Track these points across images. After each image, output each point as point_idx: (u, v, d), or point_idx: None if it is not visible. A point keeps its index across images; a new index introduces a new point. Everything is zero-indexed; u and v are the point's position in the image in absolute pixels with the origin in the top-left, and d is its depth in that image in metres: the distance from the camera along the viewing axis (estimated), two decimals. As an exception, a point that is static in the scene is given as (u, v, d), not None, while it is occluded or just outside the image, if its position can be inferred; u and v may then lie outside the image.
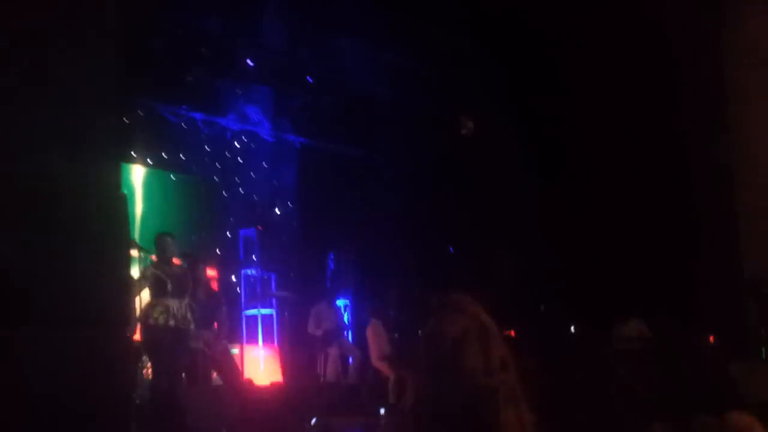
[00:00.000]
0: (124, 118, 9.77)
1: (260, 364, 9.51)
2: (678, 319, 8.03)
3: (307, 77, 12.00)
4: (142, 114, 10.62)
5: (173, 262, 7.75)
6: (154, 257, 7.69)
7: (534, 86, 10.87)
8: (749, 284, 8.55)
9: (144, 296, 7.50)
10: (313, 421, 7.86)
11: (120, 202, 6.20)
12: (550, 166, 10.76)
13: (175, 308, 7.30)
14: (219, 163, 11.78)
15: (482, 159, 11.68)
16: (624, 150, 9.90)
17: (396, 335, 9.84)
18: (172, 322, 7.27)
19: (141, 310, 7.39)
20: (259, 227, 11.12)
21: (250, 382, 8.41)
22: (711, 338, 7.95)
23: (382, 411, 8.77)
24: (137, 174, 10.75)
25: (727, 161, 9.38)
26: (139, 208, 10.50)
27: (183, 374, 7.82)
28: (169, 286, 7.31)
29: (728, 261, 9.16)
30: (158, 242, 7.66)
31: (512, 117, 11.23)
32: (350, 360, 10.51)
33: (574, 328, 8.22)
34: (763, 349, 7.53)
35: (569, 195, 10.46)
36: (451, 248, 12.32)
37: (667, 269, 9.25)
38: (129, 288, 7.11)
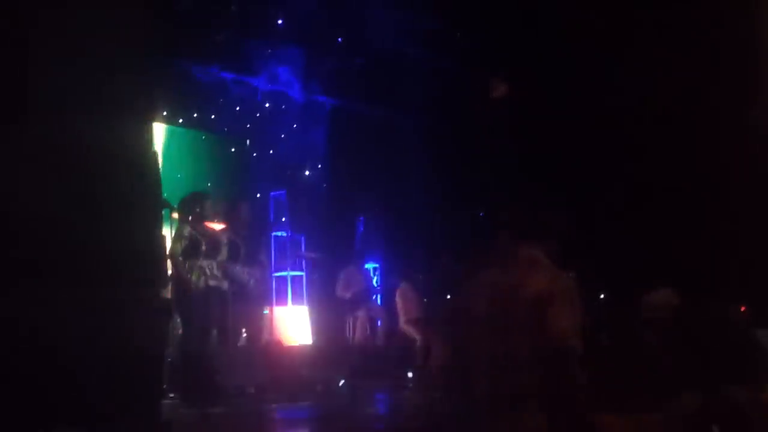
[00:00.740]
0: (156, 77, 9.76)
1: (289, 326, 9.59)
2: (708, 288, 7.96)
3: (338, 38, 11.91)
4: (173, 73, 10.63)
5: (206, 223, 7.80)
6: (177, 215, 7.70)
7: (565, 48, 10.70)
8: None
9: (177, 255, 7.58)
10: (341, 382, 7.95)
11: (151, 160, 6.26)
12: (585, 129, 10.63)
13: (208, 269, 7.36)
14: (249, 124, 11.79)
15: (514, 121, 11.57)
16: (660, 116, 9.76)
17: (425, 299, 9.88)
18: (207, 282, 7.33)
19: (175, 269, 7.45)
20: (289, 188, 11.16)
21: (279, 342, 8.50)
22: (743, 308, 7.85)
23: (410, 374, 8.85)
24: (168, 133, 10.80)
25: (762, 129, 9.22)
26: (169, 167, 10.55)
27: (213, 333, 7.94)
28: (204, 247, 7.37)
29: (761, 230, 9.05)
30: (194, 202, 7.68)
31: (544, 78, 11.08)
32: (378, 323, 10.58)
33: (603, 295, 8.19)
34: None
35: (601, 160, 10.35)
36: (481, 211, 12.28)
37: (699, 238, 9.16)
38: (161, 247, 7.19)
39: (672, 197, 9.50)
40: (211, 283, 7.35)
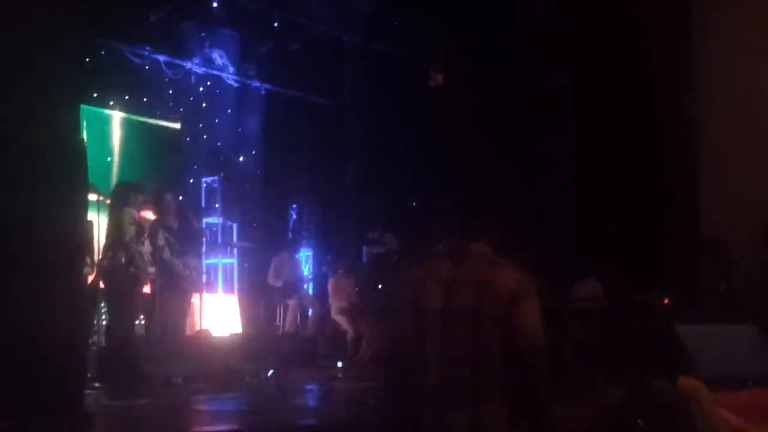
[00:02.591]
0: (85, 58, 9.55)
1: (218, 314, 9.48)
2: (633, 280, 8.11)
3: (274, 22, 11.77)
4: (104, 54, 10.38)
5: (136, 209, 7.66)
6: (109, 203, 7.57)
7: (508, 35, 10.75)
8: (707, 246, 8.64)
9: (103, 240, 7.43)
10: (270, 372, 7.88)
11: (78, 145, 6.08)
12: (518, 118, 10.70)
13: (136, 256, 7.23)
14: (182, 108, 11.59)
15: (450, 109, 11.60)
16: (588, 108, 9.89)
17: (357, 289, 9.86)
18: (132, 269, 7.19)
19: (102, 255, 7.30)
20: (223, 174, 11.01)
21: (207, 332, 8.38)
22: (666, 300, 8.03)
23: (339, 364, 8.85)
24: (98, 116, 10.55)
25: (689, 122, 9.42)
26: (99, 152, 10.31)
27: (141, 322, 7.81)
28: (133, 232, 7.23)
29: (687, 222, 9.25)
30: (126, 190, 7.55)
31: (483, 65, 11.12)
32: (309, 312, 10.53)
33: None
34: (718, 312, 7.63)
35: (531, 150, 10.45)
36: (418, 199, 12.30)
37: (625, 229, 9.31)
38: (87, 233, 7.02)
39: (599, 191, 9.64)
40: (134, 270, 7.20)
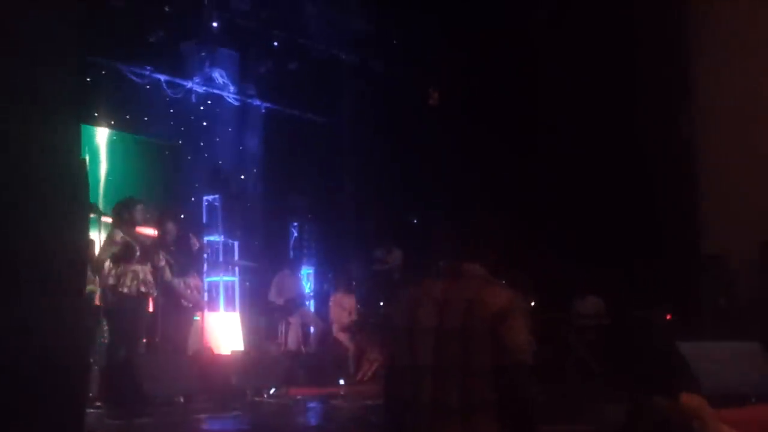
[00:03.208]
0: (86, 78, 9.60)
1: (220, 332, 9.47)
2: (635, 297, 8.12)
3: (274, 42, 11.85)
4: (104, 74, 10.43)
5: (137, 228, 7.67)
6: (111, 220, 7.57)
7: (501, 57, 10.82)
8: (708, 262, 8.65)
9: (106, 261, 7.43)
10: (272, 391, 7.87)
11: (79, 167, 6.11)
12: (514, 137, 10.75)
13: (141, 274, 7.24)
14: (183, 127, 11.63)
15: (448, 127, 11.65)
16: (585, 125, 9.92)
17: (359, 307, 9.86)
18: (138, 289, 7.21)
19: (106, 275, 7.29)
20: (224, 192, 11.04)
21: (209, 350, 8.38)
22: (668, 316, 8.04)
23: (342, 382, 8.83)
24: (99, 136, 10.58)
25: (688, 138, 9.45)
26: (100, 170, 10.34)
27: (143, 341, 7.80)
28: (137, 252, 7.23)
29: (688, 239, 9.27)
30: (126, 207, 7.55)
31: (479, 85, 11.19)
32: (311, 330, 10.53)
33: (533, 304, 8.27)
34: (720, 329, 7.64)
35: (531, 168, 10.48)
36: (415, 218, 12.32)
37: (626, 246, 9.33)
38: (87, 254, 7.03)
39: (600, 206, 9.66)
40: (142, 289, 7.21)
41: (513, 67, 10.64)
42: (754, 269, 7.85)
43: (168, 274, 7.80)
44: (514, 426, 2.79)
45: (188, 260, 8.30)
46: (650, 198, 9.60)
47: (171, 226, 8.13)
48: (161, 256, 7.67)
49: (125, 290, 7.08)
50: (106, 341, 7.51)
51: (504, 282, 2.94)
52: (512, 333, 2.77)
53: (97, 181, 10.07)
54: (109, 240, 7.27)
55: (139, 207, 7.47)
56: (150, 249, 7.42)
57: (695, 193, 9.48)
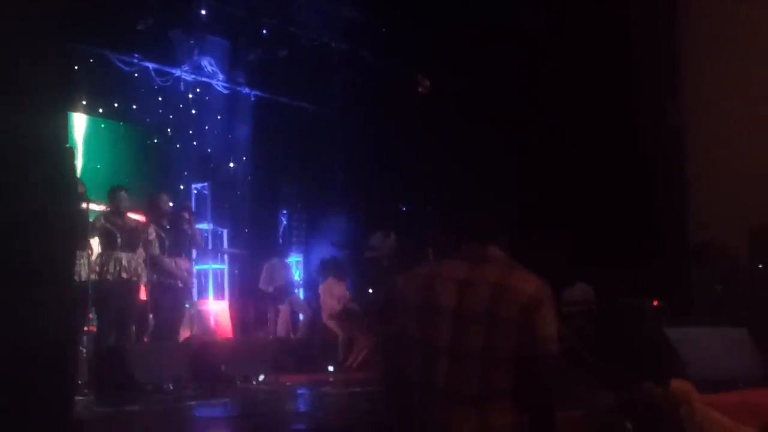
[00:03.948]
0: (73, 66, 9.56)
1: (210, 320, 9.47)
2: (624, 283, 8.12)
3: (263, 30, 11.80)
4: (92, 62, 10.37)
5: (125, 215, 7.66)
6: (104, 209, 7.59)
7: (494, 44, 10.79)
8: (696, 249, 8.67)
9: (96, 249, 7.41)
10: (261, 377, 7.86)
11: (66, 155, 6.07)
12: (505, 126, 10.74)
13: (125, 261, 7.22)
14: (172, 115, 11.58)
15: (439, 116, 11.62)
16: (574, 114, 9.92)
17: (349, 293, 9.86)
18: (124, 275, 7.19)
19: (92, 263, 7.29)
20: (213, 180, 11.00)
21: (198, 337, 8.37)
22: (655, 302, 8.05)
23: (331, 368, 8.82)
24: (88, 124, 10.54)
25: (677, 124, 9.46)
26: (89, 158, 10.31)
27: (132, 328, 7.79)
28: (119, 240, 7.22)
29: (677, 225, 9.29)
30: (110, 195, 7.56)
31: (469, 73, 11.16)
32: (300, 317, 10.53)
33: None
34: (707, 315, 7.66)
35: (521, 156, 10.48)
36: (404, 205, 12.31)
37: (615, 233, 9.34)
38: (76, 242, 7.01)
39: (589, 195, 9.67)
40: (124, 276, 7.20)
41: (505, 55, 10.61)
42: (743, 256, 7.88)
43: (157, 250, 7.77)
44: (535, 416, 2.71)
45: (181, 240, 8.27)
46: (639, 186, 9.60)
47: (163, 204, 8.11)
48: (151, 232, 7.64)
49: (108, 277, 7.08)
50: (95, 327, 7.51)
51: (527, 269, 2.86)
52: (544, 323, 2.68)
53: (86, 170, 10.03)
54: (92, 228, 7.27)
55: (121, 194, 7.46)
56: (135, 235, 7.41)
57: (684, 181, 9.50)
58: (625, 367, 5.71)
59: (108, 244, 7.21)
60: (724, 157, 8.83)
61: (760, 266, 7.36)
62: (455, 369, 2.71)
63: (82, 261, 7.27)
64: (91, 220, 7.64)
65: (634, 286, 7.84)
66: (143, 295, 7.82)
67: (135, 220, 7.90)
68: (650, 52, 9.57)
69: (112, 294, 7.14)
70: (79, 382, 7.06)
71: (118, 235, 7.23)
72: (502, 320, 2.68)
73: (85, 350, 7.28)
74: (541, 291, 2.72)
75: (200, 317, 9.17)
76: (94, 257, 7.23)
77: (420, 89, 12.36)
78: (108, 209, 7.52)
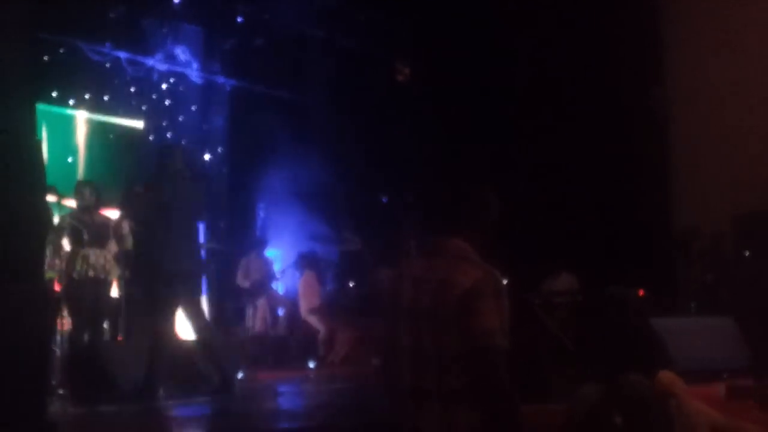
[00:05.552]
0: (42, 57, 9.40)
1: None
2: (609, 273, 8.06)
3: (238, 17, 11.61)
4: (63, 52, 10.16)
5: (94, 211, 7.48)
6: (72, 204, 7.42)
7: (470, 31, 10.69)
8: (680, 238, 8.65)
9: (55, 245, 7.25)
10: (240, 374, 7.72)
11: (35, 148, 5.89)
12: (483, 113, 10.64)
13: (93, 258, 7.05)
14: (145, 106, 11.38)
15: (417, 103, 11.52)
16: (557, 101, 9.85)
17: (329, 288, 9.74)
18: (90, 273, 7.03)
19: (61, 260, 7.13)
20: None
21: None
22: (641, 292, 8.00)
23: (311, 365, 8.72)
24: (57, 116, 10.34)
25: (661, 115, 9.43)
26: (59, 152, 10.11)
27: (105, 325, 7.62)
28: (86, 236, 7.05)
29: (660, 215, 9.26)
30: (77, 190, 7.39)
31: (447, 60, 11.05)
32: (279, 312, 10.39)
33: (506, 282, 8.15)
34: (692, 304, 7.64)
35: (500, 145, 10.39)
36: (386, 196, 12.19)
37: (598, 222, 9.29)
38: (44, 238, 6.84)
39: (574, 184, 9.61)
40: (91, 274, 7.02)
41: (486, 43, 10.51)
42: (727, 243, 7.86)
43: (130, 243, 7.59)
44: (493, 411, 2.68)
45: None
46: (624, 175, 9.55)
47: (136, 197, 7.92)
48: (125, 226, 7.46)
49: (75, 275, 6.93)
50: (68, 326, 7.35)
51: (485, 259, 2.80)
52: (482, 315, 2.64)
53: (56, 164, 9.85)
54: (58, 225, 7.11)
55: (88, 189, 7.28)
56: (105, 231, 7.23)
57: (669, 170, 9.46)
58: (611, 359, 5.63)
59: (75, 240, 7.04)
60: (709, 146, 8.81)
61: (746, 254, 7.34)
62: (417, 368, 2.70)
63: (51, 258, 7.12)
64: (60, 216, 7.49)
65: (620, 275, 7.79)
66: (114, 292, 7.63)
67: (105, 215, 7.71)
68: (636, 41, 9.51)
69: (80, 292, 6.98)
70: (53, 382, 6.93)
71: (86, 232, 7.06)
72: (445, 316, 2.67)
73: (58, 349, 7.14)
74: (481, 283, 2.69)
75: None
76: (62, 254, 7.06)
77: (399, 77, 12.25)
78: (76, 205, 7.34)
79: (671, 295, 8.00)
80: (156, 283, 6.48)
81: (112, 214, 8.04)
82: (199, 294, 7.34)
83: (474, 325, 2.65)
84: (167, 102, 11.59)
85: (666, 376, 4.46)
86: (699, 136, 8.97)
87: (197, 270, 7.03)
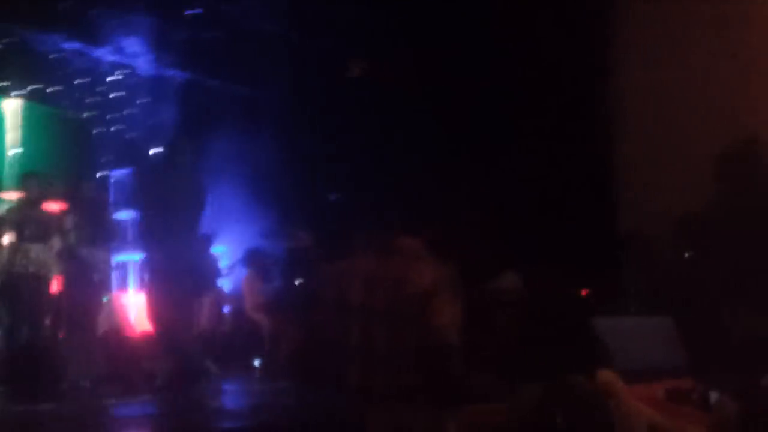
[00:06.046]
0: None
1: (130, 313, 9.16)
2: (552, 272, 8.13)
3: (190, 9, 11.48)
4: (9, 42, 9.98)
5: (37, 204, 7.34)
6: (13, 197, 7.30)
7: (429, 28, 10.70)
8: (624, 238, 8.74)
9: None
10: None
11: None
12: (436, 109, 10.66)
13: (34, 253, 6.92)
14: (92, 98, 11.22)
15: (371, 99, 11.47)
16: (503, 99, 9.91)
17: (273, 284, 9.67)
18: (31, 268, 6.90)
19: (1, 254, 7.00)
20: (135, 167, 10.68)
21: (117, 331, 8.11)
22: (583, 292, 8.09)
23: (257, 362, 8.67)
24: (3, 106, 10.17)
25: (606, 111, 9.51)
26: (3, 144, 9.94)
27: (44, 322, 7.50)
28: (28, 230, 6.92)
29: (603, 215, 9.35)
30: (23, 183, 7.27)
31: (402, 55, 11.03)
32: (224, 309, 10.30)
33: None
34: (633, 305, 7.73)
35: (451, 143, 10.42)
36: (337, 194, 12.13)
37: (542, 220, 9.35)
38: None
39: (516, 183, 9.67)
40: (31, 269, 6.90)
41: (443, 37, 10.51)
42: (670, 244, 7.95)
43: (73, 240, 7.47)
44: (440, 407, 2.69)
45: (99, 230, 7.95)
46: (566, 175, 9.64)
47: (80, 195, 7.81)
48: (69, 223, 7.35)
49: (14, 270, 6.81)
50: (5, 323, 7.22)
51: (438, 258, 2.81)
52: (436, 314, 2.66)
53: (1, 154, 9.69)
54: (0, 218, 6.99)
55: (32, 182, 7.16)
56: (47, 226, 7.11)
57: (611, 170, 9.55)
58: (552, 358, 5.68)
59: (17, 234, 6.91)
60: (652, 146, 8.91)
61: (687, 255, 7.43)
62: (366, 367, 2.68)
63: None
64: (4, 209, 7.35)
65: (562, 275, 7.85)
66: (55, 288, 7.51)
67: (49, 209, 7.58)
68: (582, 39, 9.58)
69: (18, 287, 6.85)
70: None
71: (27, 226, 6.93)
72: (402, 315, 2.67)
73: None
74: (436, 281, 2.70)
75: (118, 311, 8.87)
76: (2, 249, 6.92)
77: (355, 72, 12.19)
78: (19, 198, 7.20)
79: (612, 295, 8.08)
80: (165, 275, 6.40)
81: (56, 207, 7.91)
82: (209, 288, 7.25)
83: (432, 324, 2.66)
84: (115, 94, 11.43)
85: (606, 375, 4.51)
86: (642, 137, 9.08)
87: (207, 264, 6.97)
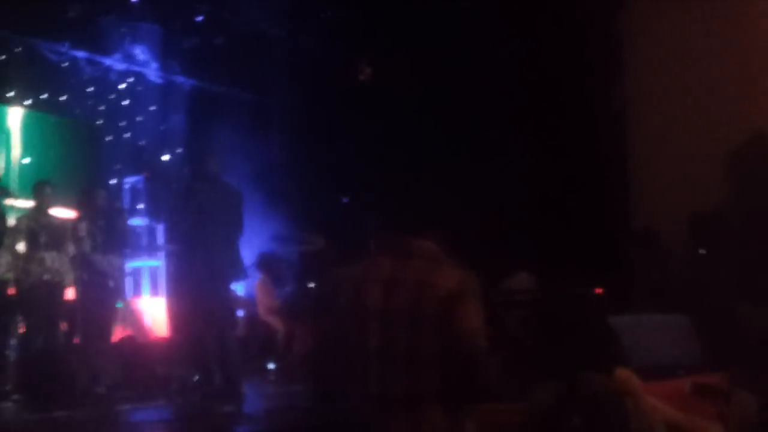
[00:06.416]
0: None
1: (145, 319, 9.18)
2: (566, 272, 8.11)
3: (197, 16, 11.51)
4: (19, 51, 10.03)
5: (50, 212, 7.37)
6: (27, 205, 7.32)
7: (433, 30, 10.69)
8: (638, 236, 8.72)
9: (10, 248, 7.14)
10: (196, 377, 7.64)
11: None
12: (445, 113, 10.64)
13: (49, 261, 6.93)
14: (103, 106, 11.27)
15: (381, 102, 11.48)
16: (516, 101, 9.89)
17: (287, 288, 9.66)
18: (46, 276, 6.92)
19: (15, 263, 7.02)
20: (147, 174, 10.69)
21: (132, 338, 8.11)
22: (598, 290, 8.06)
23: (271, 366, 8.65)
24: (14, 116, 10.20)
25: (619, 111, 9.49)
26: (15, 152, 9.98)
27: (60, 329, 7.51)
28: (43, 238, 6.93)
29: (617, 213, 9.33)
30: (34, 191, 7.27)
31: (409, 59, 11.04)
32: (239, 313, 10.29)
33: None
34: (648, 302, 7.70)
35: (460, 142, 10.41)
36: (348, 197, 12.14)
37: (556, 221, 9.33)
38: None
39: (530, 183, 9.65)
40: (46, 277, 6.92)
41: (448, 41, 10.51)
42: (683, 242, 7.92)
43: (88, 247, 7.47)
44: (460, 409, 2.67)
45: (113, 236, 7.95)
46: (581, 173, 9.61)
47: (94, 200, 7.80)
48: (82, 229, 7.34)
49: (30, 278, 6.82)
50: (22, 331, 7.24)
51: (456, 261, 2.79)
52: (467, 316, 2.63)
53: (11, 164, 9.73)
54: (15, 227, 7.00)
55: (46, 190, 7.18)
56: (61, 233, 7.12)
57: (626, 168, 9.53)
58: (568, 357, 5.66)
59: (31, 243, 6.92)
60: (666, 145, 8.89)
61: (700, 252, 7.41)
62: (385, 372, 2.65)
63: (6, 260, 7.00)
64: (17, 217, 7.38)
65: (577, 274, 7.83)
66: (70, 296, 7.52)
67: (62, 217, 7.59)
68: (595, 41, 9.56)
69: (34, 295, 6.87)
70: (7, 387, 6.84)
71: (42, 234, 6.94)
72: (424, 320, 2.64)
73: (11, 354, 7.03)
74: (463, 284, 2.67)
75: (134, 316, 8.89)
76: (17, 257, 6.94)
77: (362, 76, 12.20)
78: (32, 206, 7.22)
79: (628, 293, 8.06)
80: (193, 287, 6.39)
81: (69, 215, 7.93)
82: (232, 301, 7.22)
83: (459, 327, 2.63)
84: (126, 102, 11.48)
85: (622, 373, 4.49)
86: (656, 136, 9.06)
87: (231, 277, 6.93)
